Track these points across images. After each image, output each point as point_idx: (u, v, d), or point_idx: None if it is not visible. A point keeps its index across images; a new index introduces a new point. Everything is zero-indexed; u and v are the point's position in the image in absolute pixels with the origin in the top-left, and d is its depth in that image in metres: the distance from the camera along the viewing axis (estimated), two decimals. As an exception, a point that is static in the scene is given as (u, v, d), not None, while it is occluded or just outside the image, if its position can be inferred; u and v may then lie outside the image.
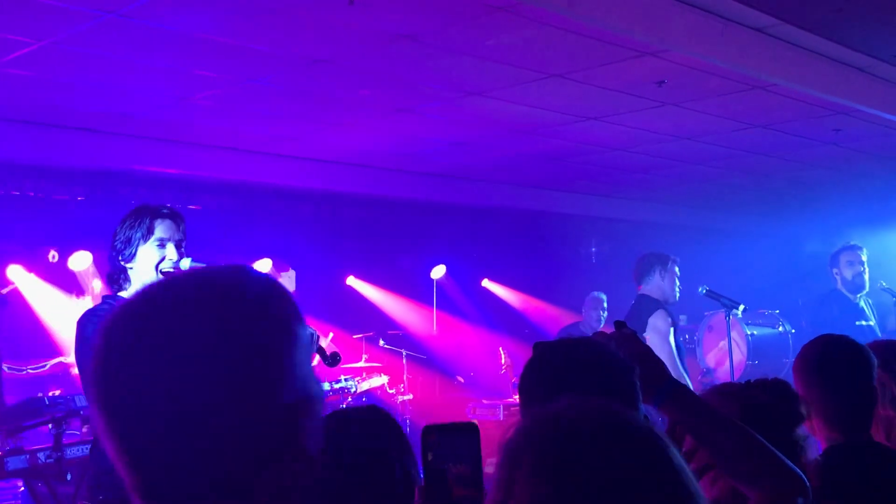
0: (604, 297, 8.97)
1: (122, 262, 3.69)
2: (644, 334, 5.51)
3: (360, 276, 10.44)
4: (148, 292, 1.15)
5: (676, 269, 6.05)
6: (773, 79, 5.89)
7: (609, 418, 1.21)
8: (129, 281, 3.71)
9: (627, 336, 2.04)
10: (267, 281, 1.18)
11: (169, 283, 1.18)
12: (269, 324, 1.14)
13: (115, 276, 3.73)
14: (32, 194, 7.45)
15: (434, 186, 9.61)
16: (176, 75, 5.72)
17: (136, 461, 1.09)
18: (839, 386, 2.69)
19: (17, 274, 7.66)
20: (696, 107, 6.80)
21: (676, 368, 5.36)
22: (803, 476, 1.85)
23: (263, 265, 9.34)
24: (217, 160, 7.89)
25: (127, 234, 3.67)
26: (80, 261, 7.84)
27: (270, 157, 8.20)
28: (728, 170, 9.54)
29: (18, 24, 4.70)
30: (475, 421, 1.53)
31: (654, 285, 5.90)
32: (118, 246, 3.68)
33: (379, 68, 5.67)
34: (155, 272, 3.66)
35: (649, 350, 2.02)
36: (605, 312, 8.92)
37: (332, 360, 3.78)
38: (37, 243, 7.60)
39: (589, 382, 1.81)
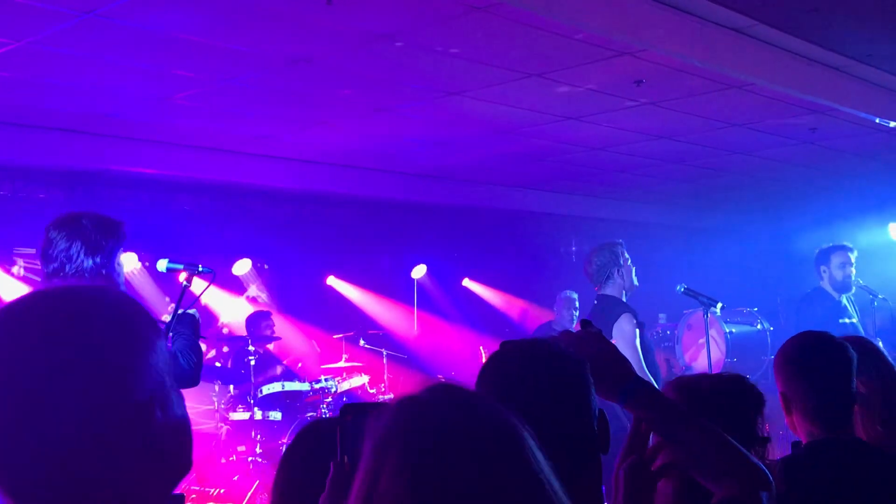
0: (575, 295, 8.99)
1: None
2: (611, 340, 5.48)
3: (341, 275, 10.43)
4: (22, 302, 1.22)
5: (627, 255, 5.95)
6: (750, 78, 5.94)
7: (474, 413, 1.23)
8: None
9: (593, 335, 2.06)
10: (124, 297, 1.28)
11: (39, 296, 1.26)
12: (121, 332, 1.22)
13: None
14: (11, 194, 7.41)
15: (414, 186, 9.61)
16: (155, 75, 5.71)
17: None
18: (819, 382, 2.71)
19: (-5, 275, 7.62)
20: (675, 106, 6.84)
21: (643, 372, 5.36)
22: (767, 471, 1.87)
23: (243, 265, 9.33)
24: (197, 160, 7.87)
25: (110, 244, 3.56)
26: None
27: (250, 156, 8.18)
28: (706, 169, 9.60)
29: (-5, 24, 4.68)
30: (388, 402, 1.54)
31: (614, 286, 5.86)
32: (111, 253, 3.57)
33: (358, 68, 5.67)
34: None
35: (614, 348, 2.05)
36: (578, 311, 8.94)
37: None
38: (13, 244, 7.55)
39: (537, 378, 1.85)
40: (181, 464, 1.25)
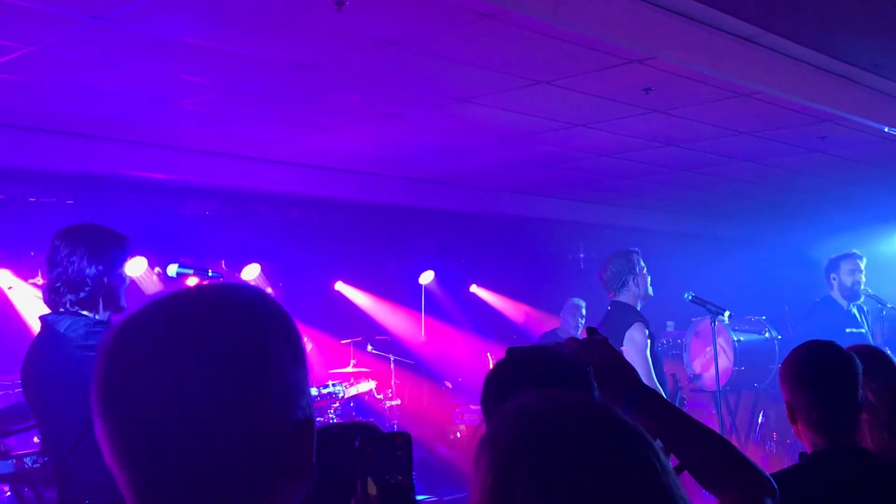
0: (582, 303, 8.99)
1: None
2: (621, 347, 5.47)
3: (348, 281, 10.45)
4: (158, 305, 1.15)
5: (643, 264, 5.94)
6: (758, 87, 5.94)
7: (597, 414, 1.22)
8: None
9: (599, 342, 2.07)
10: (267, 298, 1.20)
11: (175, 296, 1.17)
12: (280, 344, 1.16)
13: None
14: (20, 198, 7.45)
15: (422, 192, 9.62)
16: (164, 80, 5.73)
17: (142, 473, 1.09)
18: (823, 391, 2.71)
19: (5, 279, 7.65)
20: (683, 114, 6.84)
21: (652, 383, 5.34)
22: (770, 478, 1.88)
23: (251, 270, 9.35)
24: (205, 165, 7.89)
25: (112, 255, 3.57)
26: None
27: (258, 161, 8.20)
28: (715, 177, 9.59)
29: (6, 30, 4.70)
30: (408, 432, 1.54)
31: (629, 293, 5.84)
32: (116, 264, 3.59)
33: (366, 74, 5.69)
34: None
35: (620, 355, 2.07)
36: (584, 319, 8.93)
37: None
38: (22, 248, 7.59)
39: (539, 382, 1.86)
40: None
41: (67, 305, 3.38)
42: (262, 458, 1.10)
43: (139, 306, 1.16)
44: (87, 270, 3.39)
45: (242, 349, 1.11)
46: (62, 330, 3.31)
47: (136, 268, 7.76)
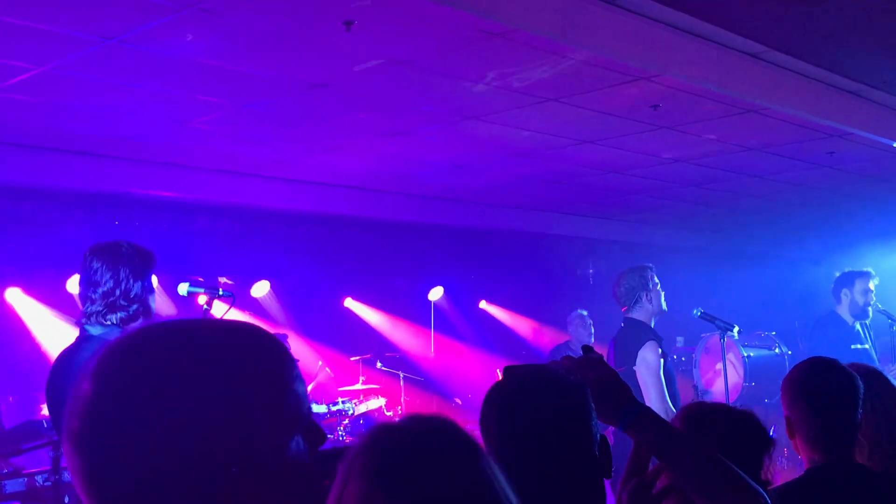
0: (585, 313, 9.03)
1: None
2: (634, 367, 5.46)
3: (358, 297, 10.47)
4: (141, 334, 1.18)
5: (656, 279, 5.92)
6: (766, 103, 5.95)
7: (435, 433, 1.28)
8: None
9: (594, 360, 2.11)
10: (267, 337, 1.24)
11: (164, 329, 1.20)
12: (278, 365, 1.21)
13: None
14: (31, 217, 7.49)
15: (431, 209, 9.65)
16: (174, 100, 5.78)
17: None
18: (821, 408, 2.73)
19: (16, 297, 7.69)
20: (691, 130, 6.86)
21: (664, 402, 5.33)
22: (765, 495, 1.90)
23: (261, 287, 9.37)
24: (215, 183, 7.94)
25: (144, 268, 3.73)
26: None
27: (269, 180, 8.25)
28: (722, 192, 9.60)
29: (20, 50, 4.75)
30: None
31: (642, 310, 5.82)
32: (147, 278, 3.75)
33: (376, 93, 5.72)
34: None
35: (615, 373, 2.09)
36: (593, 328, 8.96)
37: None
38: (36, 266, 7.63)
39: (538, 406, 1.89)
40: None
41: (115, 321, 3.50)
42: (270, 476, 1.14)
43: (120, 337, 1.18)
44: (135, 288, 3.56)
45: (222, 384, 1.14)
46: None
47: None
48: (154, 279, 3.72)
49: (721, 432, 2.39)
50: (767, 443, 2.47)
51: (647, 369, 5.42)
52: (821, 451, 2.71)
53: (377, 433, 1.29)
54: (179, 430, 1.09)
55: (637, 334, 5.63)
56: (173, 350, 1.15)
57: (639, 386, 5.38)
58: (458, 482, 1.22)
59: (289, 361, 1.22)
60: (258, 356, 1.19)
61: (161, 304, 8.19)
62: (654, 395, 5.28)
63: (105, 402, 1.11)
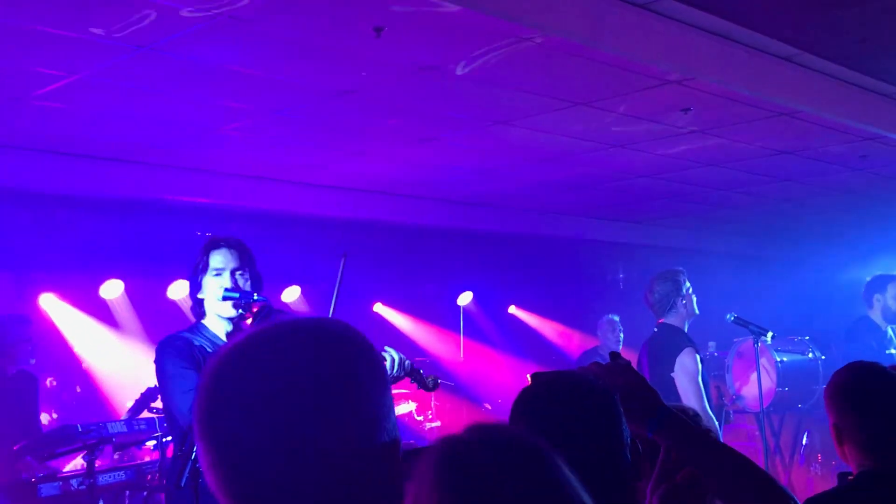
0: (617, 318, 8.99)
1: (196, 294, 3.97)
2: (672, 373, 5.41)
3: (388, 303, 10.48)
4: (256, 337, 1.23)
5: (689, 284, 5.86)
6: (798, 106, 5.91)
7: (502, 442, 1.27)
8: (204, 310, 3.96)
9: (622, 367, 2.11)
10: (355, 331, 1.28)
11: (273, 332, 1.24)
12: (366, 369, 1.23)
13: (193, 307, 4.01)
14: (65, 223, 7.56)
15: (460, 214, 9.64)
16: (205, 107, 5.82)
17: (235, 495, 1.15)
18: (872, 412, 2.69)
19: (50, 303, 7.77)
20: (722, 133, 6.81)
21: (705, 409, 5.27)
22: (796, 499, 1.89)
23: (292, 292, 9.41)
24: (246, 189, 7.98)
25: (193, 267, 3.95)
26: (112, 289, 7.94)
27: (298, 185, 8.28)
28: (754, 196, 9.52)
29: (52, 58, 4.80)
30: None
31: (677, 315, 5.76)
32: (190, 279, 4.00)
33: (404, 99, 5.73)
34: (217, 300, 3.88)
35: (643, 379, 2.10)
36: (622, 334, 8.91)
37: (432, 385, 4.02)
38: (69, 272, 7.70)
39: (567, 412, 1.89)
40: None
41: None
42: (359, 476, 1.16)
43: (234, 340, 1.23)
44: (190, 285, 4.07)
45: (334, 380, 1.18)
46: None
47: (179, 291, 7.86)
48: (185, 284, 3.85)
49: None
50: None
51: (687, 376, 5.37)
52: (872, 457, 2.67)
53: (445, 447, 1.28)
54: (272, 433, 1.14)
55: (673, 340, 5.58)
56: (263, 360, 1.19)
57: (672, 391, 5.33)
58: (531, 489, 1.21)
59: (365, 364, 1.23)
60: (333, 362, 1.21)
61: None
62: (694, 401, 5.22)
63: (219, 410, 1.17)
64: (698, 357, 5.46)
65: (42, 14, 4.21)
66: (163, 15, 4.21)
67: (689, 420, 2.07)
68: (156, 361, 3.77)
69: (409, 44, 4.72)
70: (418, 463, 1.28)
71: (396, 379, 4.06)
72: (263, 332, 1.23)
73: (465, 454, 1.25)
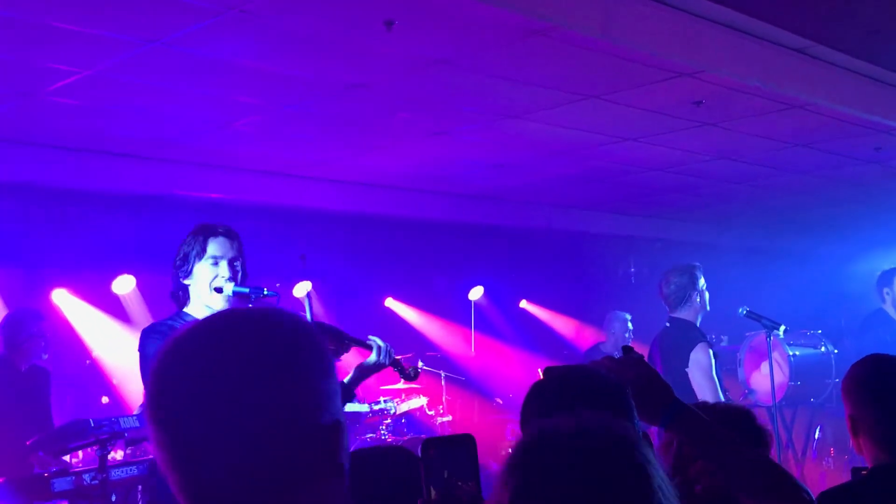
0: (628, 316, 8.93)
1: (182, 280, 3.83)
2: (686, 368, 5.40)
3: (399, 297, 10.48)
4: (205, 325, 1.29)
5: (703, 280, 5.86)
6: (811, 98, 5.88)
7: (592, 434, 1.29)
8: (189, 297, 3.85)
9: (635, 360, 2.12)
10: (302, 321, 1.34)
11: (222, 320, 1.32)
12: (307, 356, 1.28)
13: (175, 293, 3.88)
14: (76, 219, 7.59)
15: (471, 208, 9.63)
16: (217, 102, 5.82)
17: (188, 475, 1.21)
18: (890, 406, 2.68)
19: (62, 298, 7.79)
20: (735, 126, 6.79)
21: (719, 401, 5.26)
22: (809, 491, 1.89)
23: (303, 287, 9.41)
24: (257, 184, 7.99)
25: (184, 251, 3.82)
26: (124, 284, 7.95)
27: (309, 180, 8.28)
28: (767, 189, 9.49)
29: (65, 54, 4.81)
30: (471, 434, 1.59)
31: (690, 309, 5.75)
32: (177, 263, 3.83)
33: (416, 93, 5.73)
34: (209, 289, 3.78)
35: (655, 373, 2.11)
36: (630, 331, 8.85)
37: (412, 374, 4.01)
38: (81, 267, 7.72)
39: (578, 405, 1.89)
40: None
41: None
42: (298, 455, 1.21)
43: (185, 327, 1.29)
44: (173, 270, 3.91)
45: (278, 363, 1.24)
46: None
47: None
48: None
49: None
50: (760, 441, 2.48)
51: (701, 371, 5.35)
52: (887, 449, 2.66)
53: (531, 443, 1.32)
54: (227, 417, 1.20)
55: (686, 335, 5.56)
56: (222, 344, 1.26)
57: (686, 386, 5.31)
58: (618, 480, 1.24)
59: (308, 351, 1.28)
60: (284, 351, 1.26)
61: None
62: (709, 396, 5.21)
63: (171, 385, 1.24)
64: (712, 352, 5.43)
65: (54, 9, 4.22)
66: (175, 10, 4.21)
67: (702, 415, 2.06)
68: (139, 349, 3.67)
69: (420, 37, 4.72)
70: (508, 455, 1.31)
71: (382, 366, 4.08)
72: (214, 320, 1.30)
73: (556, 449, 1.27)
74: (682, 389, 5.04)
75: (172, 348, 1.26)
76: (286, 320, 1.31)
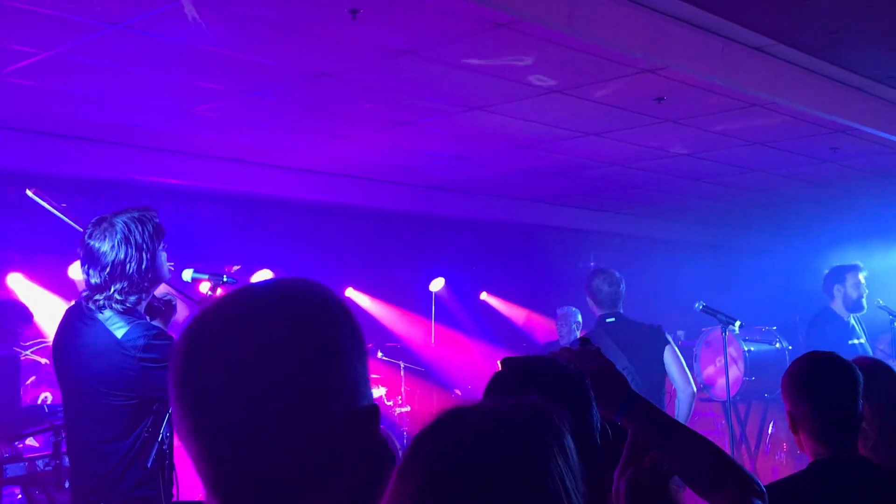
0: (574, 309, 8.87)
1: (146, 284, 3.50)
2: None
3: (359, 287, 10.46)
4: (233, 300, 1.20)
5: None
6: (771, 97, 5.94)
7: (491, 419, 1.24)
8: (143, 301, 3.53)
9: (592, 352, 2.14)
10: (340, 300, 1.24)
11: (255, 294, 1.21)
12: (348, 336, 1.20)
13: (140, 303, 3.52)
14: (33, 203, 7.48)
15: (434, 199, 9.64)
16: (178, 87, 5.77)
17: (214, 461, 1.14)
18: (825, 402, 2.73)
19: (17, 282, 7.69)
20: (695, 123, 6.85)
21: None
22: (759, 482, 1.93)
23: (263, 275, 9.37)
24: (218, 171, 7.93)
25: (143, 239, 3.51)
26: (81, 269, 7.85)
27: (271, 168, 8.24)
28: (727, 186, 9.59)
29: (23, 35, 4.74)
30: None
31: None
32: (144, 268, 3.46)
33: (381, 82, 5.72)
34: (167, 278, 3.61)
35: (612, 365, 2.13)
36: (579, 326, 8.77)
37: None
38: (37, 252, 7.63)
39: (538, 392, 1.90)
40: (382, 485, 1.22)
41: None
42: (331, 442, 1.14)
43: (213, 302, 1.20)
44: (129, 268, 3.52)
45: (317, 343, 1.16)
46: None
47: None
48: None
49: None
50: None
51: (677, 362, 5.71)
52: (825, 445, 2.72)
53: (445, 418, 1.26)
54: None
55: (655, 330, 5.84)
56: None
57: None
58: (511, 471, 1.19)
59: (345, 329, 1.20)
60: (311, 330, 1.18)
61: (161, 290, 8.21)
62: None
63: (196, 367, 1.15)
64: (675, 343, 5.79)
65: (13, -11, 4.15)
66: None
67: (656, 406, 2.09)
68: (157, 356, 3.40)
69: (385, 26, 4.71)
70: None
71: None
72: (244, 294, 1.20)
73: (464, 428, 1.23)
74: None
75: (202, 324, 1.17)
76: (322, 293, 1.22)
